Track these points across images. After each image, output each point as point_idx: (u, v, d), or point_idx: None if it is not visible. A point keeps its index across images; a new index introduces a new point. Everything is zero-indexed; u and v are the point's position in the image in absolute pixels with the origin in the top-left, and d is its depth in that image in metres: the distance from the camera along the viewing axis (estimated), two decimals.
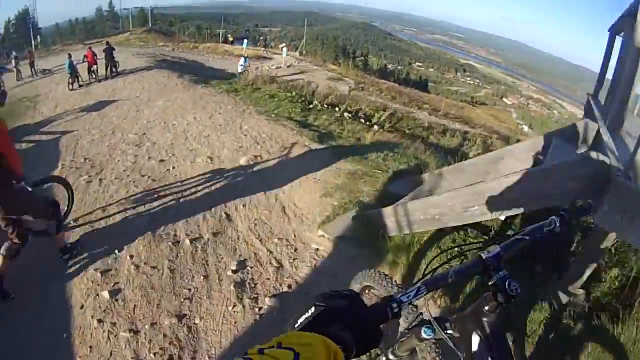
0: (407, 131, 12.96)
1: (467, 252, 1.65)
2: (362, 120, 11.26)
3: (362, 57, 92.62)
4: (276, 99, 10.80)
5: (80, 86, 17.01)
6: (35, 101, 14.35)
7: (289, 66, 29.37)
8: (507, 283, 1.27)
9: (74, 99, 13.91)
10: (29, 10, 57.23)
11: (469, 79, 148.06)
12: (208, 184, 5.98)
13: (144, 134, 8.30)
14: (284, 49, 32.03)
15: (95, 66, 18.31)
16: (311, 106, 11.06)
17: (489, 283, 1.31)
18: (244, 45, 35.04)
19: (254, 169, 6.52)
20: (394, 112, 15.77)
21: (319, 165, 6.26)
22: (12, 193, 3.49)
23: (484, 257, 1.34)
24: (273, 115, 8.98)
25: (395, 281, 2.07)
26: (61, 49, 34.65)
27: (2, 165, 3.32)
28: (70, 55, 17.95)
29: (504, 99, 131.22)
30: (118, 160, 6.96)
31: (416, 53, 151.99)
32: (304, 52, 51.06)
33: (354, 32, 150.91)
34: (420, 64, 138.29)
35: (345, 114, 10.97)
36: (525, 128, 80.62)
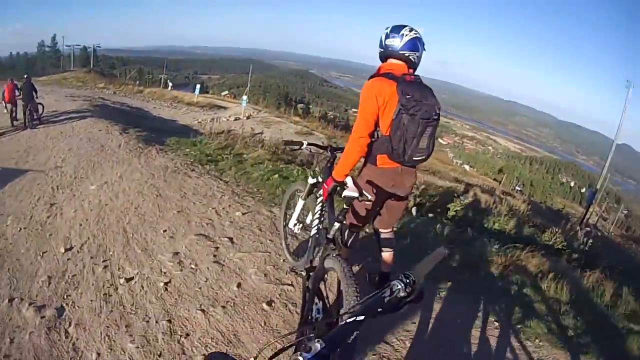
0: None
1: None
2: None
3: (303, 105, 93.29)
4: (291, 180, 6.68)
5: None
6: None
7: (248, 117, 24.63)
8: None
9: None
10: None
11: None
12: None
13: (57, 322, 3.04)
14: (244, 98, 27.30)
15: (13, 107, 13.00)
16: None
17: None
18: (197, 92, 30.61)
19: None
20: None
21: None
22: None
23: None
24: None
25: None
26: None
27: None
28: None
29: (439, 140, 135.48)
30: None
31: (352, 99, 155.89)
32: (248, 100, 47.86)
33: (292, 79, 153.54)
34: (355, 110, 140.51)
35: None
36: (467, 167, 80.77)
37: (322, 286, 2.56)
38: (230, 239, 4.32)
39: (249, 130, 14.41)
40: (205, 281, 3.50)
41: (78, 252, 3.99)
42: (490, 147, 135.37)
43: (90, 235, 4.35)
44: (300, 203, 3.72)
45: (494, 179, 65.06)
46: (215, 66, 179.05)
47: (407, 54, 2.85)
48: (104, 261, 3.82)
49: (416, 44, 2.86)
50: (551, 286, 4.54)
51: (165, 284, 3.42)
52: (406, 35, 2.83)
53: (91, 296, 3.26)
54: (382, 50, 2.95)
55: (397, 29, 2.87)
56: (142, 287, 3.38)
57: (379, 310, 1.09)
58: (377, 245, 3.39)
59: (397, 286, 1.14)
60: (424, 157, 2.86)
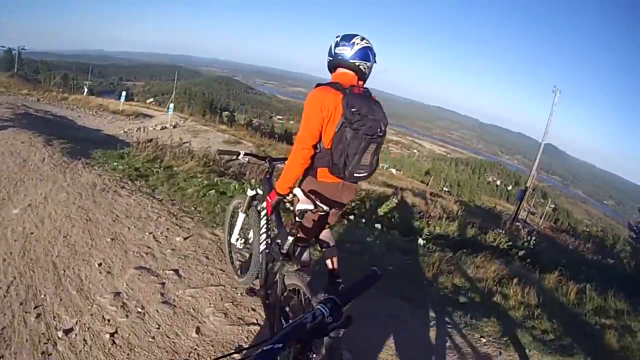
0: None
1: None
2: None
3: (228, 113, 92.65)
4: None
5: None
6: None
7: (174, 126, 23.93)
8: None
9: None
10: None
11: None
12: None
13: None
14: (171, 106, 26.59)
15: None
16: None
17: None
18: (122, 100, 29.36)
19: None
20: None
21: None
22: None
23: None
24: None
25: None
26: None
27: None
28: None
29: None
30: None
31: (276, 106, 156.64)
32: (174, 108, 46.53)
33: (217, 87, 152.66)
34: (280, 117, 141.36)
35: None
36: (394, 171, 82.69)
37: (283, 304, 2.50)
38: (176, 272, 3.97)
39: (177, 140, 13.88)
40: (158, 328, 3.09)
41: (5, 296, 3.42)
42: (415, 151, 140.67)
43: (17, 274, 3.78)
44: (241, 217, 3.57)
45: (422, 181, 67.29)
46: (140, 72, 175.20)
47: (357, 63, 2.79)
48: (35, 307, 3.27)
49: (367, 54, 2.80)
50: (517, 291, 4.67)
51: (111, 335, 2.98)
52: (357, 44, 2.77)
53: (28, 356, 2.74)
54: (331, 58, 2.88)
55: (348, 38, 2.80)
56: (85, 340, 2.90)
57: (302, 336, 1.05)
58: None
59: (321, 311, 1.09)
60: (366, 174, 2.79)
